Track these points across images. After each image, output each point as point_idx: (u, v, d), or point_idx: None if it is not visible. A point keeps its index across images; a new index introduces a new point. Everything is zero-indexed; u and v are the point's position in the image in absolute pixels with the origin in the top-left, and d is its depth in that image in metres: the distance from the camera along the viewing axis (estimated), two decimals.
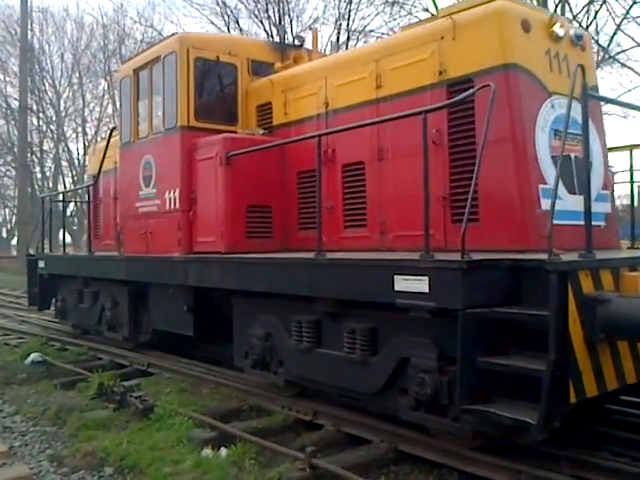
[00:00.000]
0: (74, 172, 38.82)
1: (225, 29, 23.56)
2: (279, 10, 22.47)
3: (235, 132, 7.49)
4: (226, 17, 23.62)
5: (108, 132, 9.97)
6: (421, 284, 4.56)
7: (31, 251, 12.77)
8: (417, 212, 5.82)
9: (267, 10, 22.65)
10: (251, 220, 7.10)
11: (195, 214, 7.39)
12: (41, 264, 11.56)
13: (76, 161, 39.22)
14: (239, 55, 7.97)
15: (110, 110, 37.60)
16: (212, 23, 24.65)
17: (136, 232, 8.39)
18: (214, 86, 7.92)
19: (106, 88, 37.87)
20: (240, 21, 23.72)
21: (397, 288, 4.73)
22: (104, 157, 9.74)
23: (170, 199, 7.66)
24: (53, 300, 11.92)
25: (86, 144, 38.43)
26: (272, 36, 21.95)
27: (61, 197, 15.10)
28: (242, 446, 5.30)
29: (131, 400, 6.51)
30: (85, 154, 38.22)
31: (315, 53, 8.57)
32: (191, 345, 9.05)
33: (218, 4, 23.70)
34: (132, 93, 8.59)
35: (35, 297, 11.90)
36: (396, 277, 4.74)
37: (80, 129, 39.73)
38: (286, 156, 7.28)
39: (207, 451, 5.29)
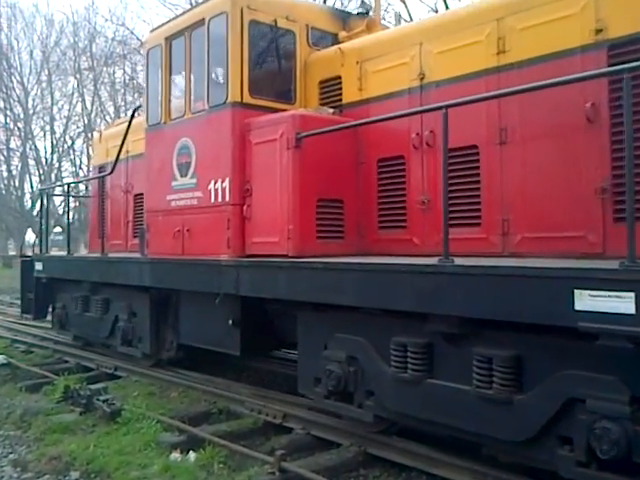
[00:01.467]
0: (41, 171, 37.68)
1: None
2: None
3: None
4: None
5: (130, 113, 8.56)
6: (621, 303, 3.36)
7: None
8: (560, 209, 4.67)
9: None
10: (322, 217, 5.81)
11: (250, 208, 6.08)
12: (38, 266, 10.08)
13: (43, 160, 38.17)
14: (298, 21, 6.66)
15: (79, 108, 36.78)
16: None
17: (167, 230, 7.03)
18: (270, 56, 6.61)
19: (75, 86, 36.96)
20: None
21: (579, 307, 3.52)
22: (123, 143, 8.33)
23: (216, 190, 6.32)
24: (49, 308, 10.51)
25: (54, 142, 37.64)
26: None
27: (57, 192, 13.63)
28: (211, 450, 5.26)
29: (98, 403, 6.38)
30: (53, 152, 37.62)
31: (379, 24, 7.33)
32: (226, 363, 7.77)
33: (191, 4, 22.56)
34: (164, 66, 7.23)
35: (30, 304, 10.40)
36: (577, 292, 3.53)
37: (48, 127, 38.49)
38: (362, 140, 6.02)
39: (175, 455, 5.24)
